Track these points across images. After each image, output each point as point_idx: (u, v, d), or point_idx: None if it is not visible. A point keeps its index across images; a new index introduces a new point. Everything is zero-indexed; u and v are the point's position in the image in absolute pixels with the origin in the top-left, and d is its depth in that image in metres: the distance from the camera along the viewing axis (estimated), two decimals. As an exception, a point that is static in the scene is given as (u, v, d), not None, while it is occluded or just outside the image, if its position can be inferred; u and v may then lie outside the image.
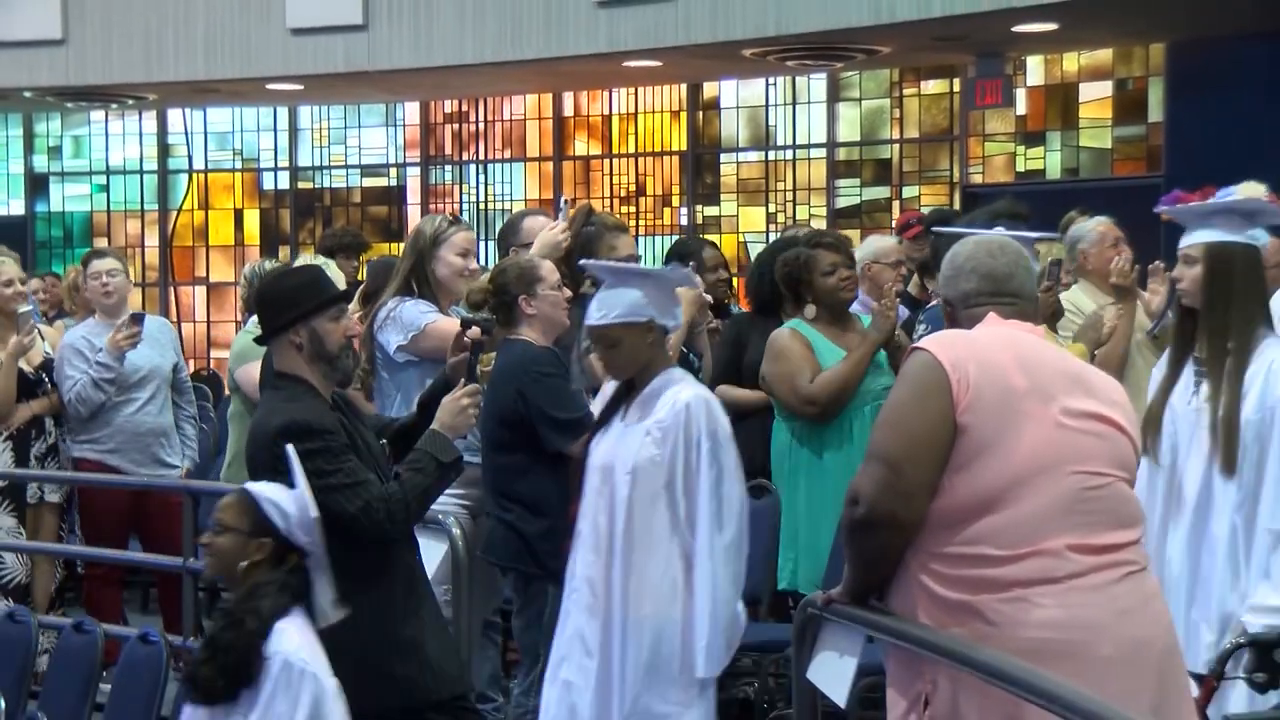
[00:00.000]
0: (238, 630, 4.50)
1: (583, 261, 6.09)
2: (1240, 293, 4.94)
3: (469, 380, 5.20)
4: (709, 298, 7.01)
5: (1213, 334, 4.95)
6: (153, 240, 18.67)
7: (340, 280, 7.13)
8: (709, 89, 16.47)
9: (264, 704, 4.45)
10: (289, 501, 4.59)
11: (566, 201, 7.04)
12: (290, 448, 4.63)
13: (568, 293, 6.14)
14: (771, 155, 16.29)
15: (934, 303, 6.93)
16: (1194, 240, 5.02)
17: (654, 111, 16.79)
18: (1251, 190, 5.28)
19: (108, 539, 8.27)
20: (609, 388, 5.50)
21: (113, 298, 8.36)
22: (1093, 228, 7.39)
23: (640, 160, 16.90)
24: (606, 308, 5.30)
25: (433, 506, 5.23)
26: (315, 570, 4.59)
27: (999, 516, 3.69)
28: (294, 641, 4.50)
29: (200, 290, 18.74)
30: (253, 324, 7.81)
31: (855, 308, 7.04)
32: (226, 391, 10.43)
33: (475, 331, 5.50)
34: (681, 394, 5.25)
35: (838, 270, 6.78)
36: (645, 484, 5.21)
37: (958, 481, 3.71)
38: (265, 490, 4.64)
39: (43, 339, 8.50)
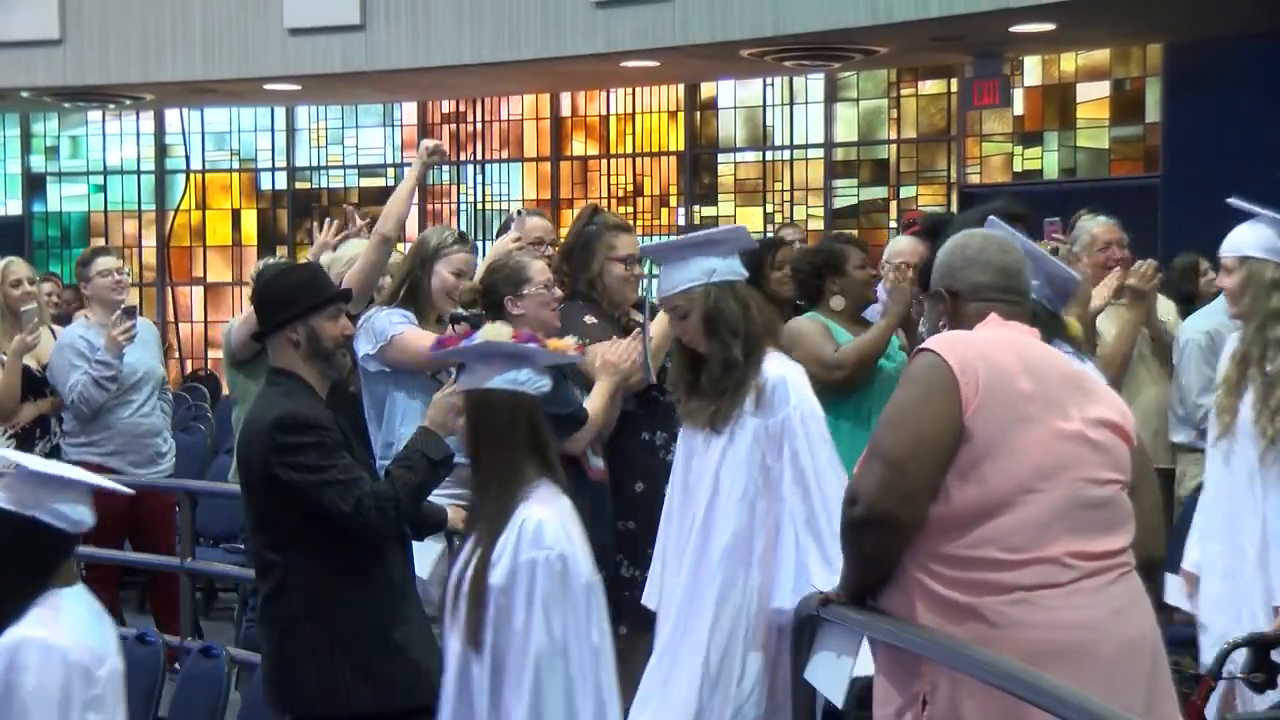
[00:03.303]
0: None
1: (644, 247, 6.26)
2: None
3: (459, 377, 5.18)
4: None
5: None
6: (150, 240, 18.67)
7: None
8: (706, 89, 16.47)
9: None
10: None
11: (520, 212, 7.06)
12: None
13: (558, 292, 6.11)
14: (769, 155, 16.29)
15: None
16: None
17: (651, 112, 16.79)
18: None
19: (107, 541, 8.24)
20: None
21: (124, 295, 8.29)
22: (1088, 229, 7.29)
23: (638, 160, 16.90)
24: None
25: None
26: None
27: (1004, 520, 3.66)
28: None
29: (198, 290, 18.73)
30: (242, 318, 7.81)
31: (874, 309, 7.08)
32: (227, 391, 10.34)
33: (463, 328, 5.47)
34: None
35: (866, 267, 6.87)
36: None
37: (961, 484, 3.68)
38: None
39: (55, 338, 8.45)
